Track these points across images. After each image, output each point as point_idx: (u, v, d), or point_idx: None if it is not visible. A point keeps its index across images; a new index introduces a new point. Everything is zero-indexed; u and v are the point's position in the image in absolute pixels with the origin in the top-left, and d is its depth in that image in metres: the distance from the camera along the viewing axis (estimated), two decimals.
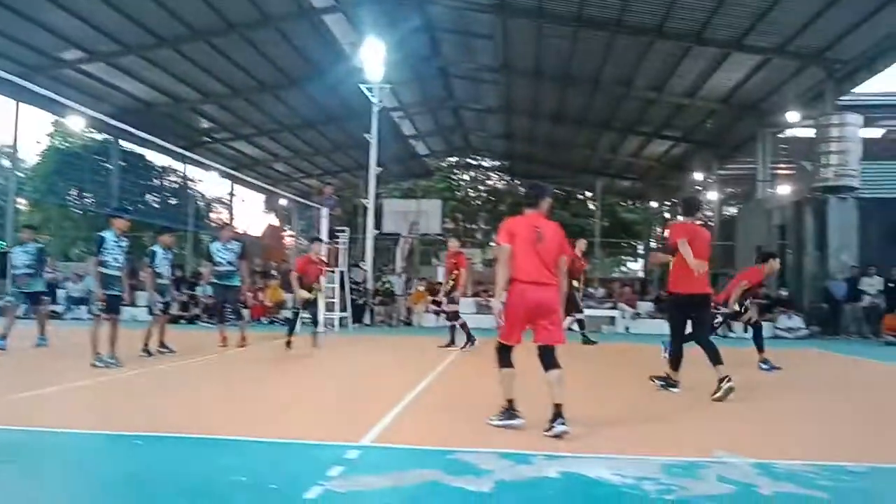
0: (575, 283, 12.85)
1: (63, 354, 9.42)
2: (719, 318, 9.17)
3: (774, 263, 9.21)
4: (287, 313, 14.23)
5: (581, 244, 13.37)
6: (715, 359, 6.38)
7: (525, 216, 5.19)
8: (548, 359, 4.90)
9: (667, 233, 7.51)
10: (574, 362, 10.58)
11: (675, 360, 6.78)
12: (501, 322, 4.97)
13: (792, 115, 20.66)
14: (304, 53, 21.78)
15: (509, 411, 5.02)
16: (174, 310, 13.10)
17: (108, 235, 8.27)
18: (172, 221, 23.08)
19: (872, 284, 16.53)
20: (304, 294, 10.66)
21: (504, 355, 5.06)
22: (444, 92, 28.75)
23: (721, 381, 6.24)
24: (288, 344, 10.49)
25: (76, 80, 21.55)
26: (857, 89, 19.72)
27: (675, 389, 6.74)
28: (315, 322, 11.43)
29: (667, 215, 38.42)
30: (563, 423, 4.66)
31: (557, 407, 4.73)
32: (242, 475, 3.71)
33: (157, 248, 9.88)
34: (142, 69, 21.54)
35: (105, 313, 8.28)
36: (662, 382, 6.86)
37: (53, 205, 28.96)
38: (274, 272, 21.60)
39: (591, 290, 20.42)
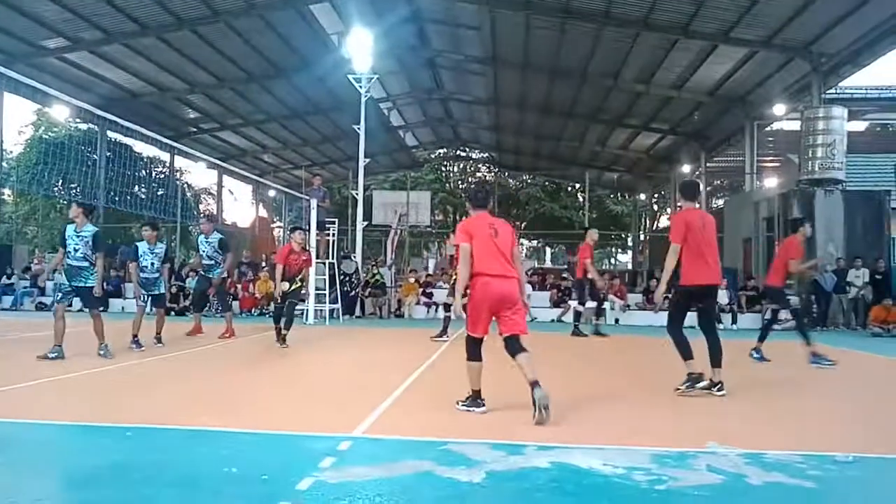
0: (590, 275, 12.71)
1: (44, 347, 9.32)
2: (796, 303, 9.10)
3: (805, 229, 9.20)
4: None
5: (593, 234, 13.20)
6: (716, 359, 6.18)
7: (477, 216, 5.45)
8: (514, 346, 5.12)
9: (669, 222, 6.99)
10: (564, 354, 10.62)
11: (685, 348, 6.21)
12: (463, 317, 5.26)
13: (778, 108, 20.82)
14: (291, 43, 21.66)
15: (475, 401, 5.28)
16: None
17: (68, 227, 8.22)
18: (160, 213, 22.93)
19: (859, 276, 16.71)
20: (285, 286, 9.87)
21: (474, 348, 5.28)
22: (433, 83, 28.70)
23: (714, 385, 6.10)
24: (280, 336, 10.00)
25: (59, 68, 21.33)
26: (842, 83, 19.89)
27: (701, 384, 6.10)
28: (289, 321, 10.08)
29: (655, 207, 38.65)
30: (539, 388, 4.85)
31: (533, 383, 4.90)
32: (234, 466, 3.70)
33: (141, 243, 9.83)
34: (126, 58, 21.36)
35: (87, 308, 8.22)
36: (688, 383, 6.12)
37: (39, 195, 28.67)
38: (264, 264, 21.51)
39: None
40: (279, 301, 10.13)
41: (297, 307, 11.19)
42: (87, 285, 8.09)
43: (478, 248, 5.16)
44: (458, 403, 5.33)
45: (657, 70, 20.71)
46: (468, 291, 5.26)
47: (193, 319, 11.63)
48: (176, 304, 17.73)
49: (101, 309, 8.50)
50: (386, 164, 36.40)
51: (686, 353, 6.18)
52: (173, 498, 3.27)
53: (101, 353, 8.08)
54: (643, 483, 3.53)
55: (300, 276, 10.20)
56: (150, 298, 9.79)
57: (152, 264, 9.70)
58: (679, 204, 6.92)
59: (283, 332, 9.91)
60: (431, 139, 38.33)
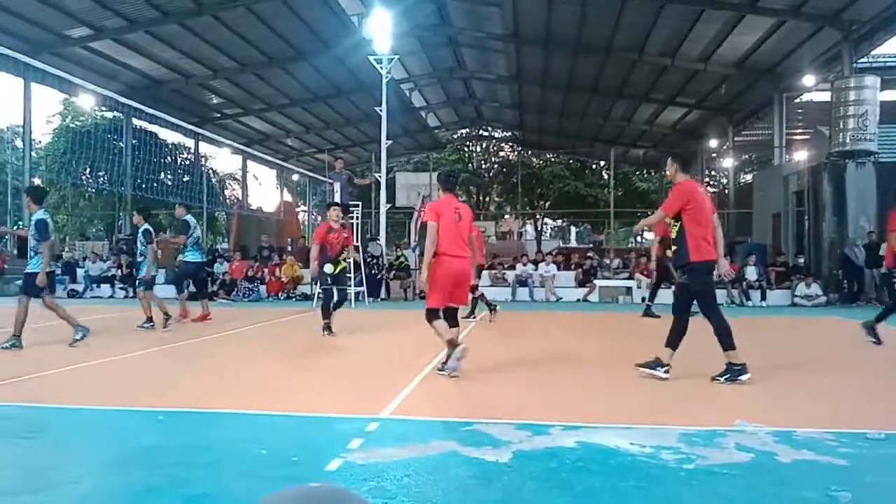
0: (669, 252, 12.35)
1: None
2: None
3: None
4: (315, 289, 13.54)
5: None
6: (676, 342, 5.94)
7: (445, 199, 6.10)
8: (454, 318, 6.04)
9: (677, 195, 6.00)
10: (589, 333, 10.61)
11: (730, 336, 5.74)
12: (426, 289, 5.88)
13: (808, 79, 20.33)
14: (312, 26, 21.63)
15: (451, 349, 5.84)
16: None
17: None
18: (186, 199, 23.19)
19: None
20: (329, 268, 9.09)
21: (434, 315, 5.96)
22: (454, 62, 28.50)
23: (662, 366, 5.87)
24: (327, 328, 9.12)
25: (84, 57, 21.55)
26: (875, 51, 19.35)
27: (745, 377, 5.67)
28: (340, 302, 9.46)
29: None
30: (451, 368, 5.85)
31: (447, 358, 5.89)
32: (263, 448, 3.76)
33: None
34: (149, 45, 21.52)
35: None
36: (728, 375, 5.70)
37: (68, 184, 29.17)
38: (290, 247, 21.69)
39: (606, 260, 20.35)
40: (328, 283, 9.22)
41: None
42: (27, 271, 8.00)
43: (442, 230, 5.82)
44: (441, 371, 5.90)
45: (682, 43, 20.31)
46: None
47: (201, 306, 11.35)
48: (204, 289, 17.98)
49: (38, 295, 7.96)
50: (408, 146, 36.36)
51: (729, 342, 5.73)
52: (205, 479, 3.33)
53: (6, 344, 7.65)
54: (671, 462, 3.52)
55: (344, 256, 9.43)
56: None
57: (139, 247, 10.17)
58: (667, 173, 6.38)
59: (332, 313, 9.23)
60: (454, 119, 38.17)
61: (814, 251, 17.60)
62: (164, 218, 28.83)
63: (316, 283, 10.22)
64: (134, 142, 25.35)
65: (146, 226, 10.20)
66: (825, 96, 20.50)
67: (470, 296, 11.98)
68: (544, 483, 3.26)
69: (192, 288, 11.89)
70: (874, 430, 4.06)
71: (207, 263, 18.88)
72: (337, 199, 14.94)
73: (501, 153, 41.82)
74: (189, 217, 10.96)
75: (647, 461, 3.55)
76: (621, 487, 3.19)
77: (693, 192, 5.88)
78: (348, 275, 10.86)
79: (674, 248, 6.02)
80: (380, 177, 19.06)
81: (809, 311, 15.10)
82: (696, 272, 5.87)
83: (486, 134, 40.90)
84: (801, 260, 17.35)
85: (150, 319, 9.85)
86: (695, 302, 5.96)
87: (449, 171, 6.72)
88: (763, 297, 16.66)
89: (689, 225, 5.81)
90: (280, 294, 18.21)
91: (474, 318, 11.49)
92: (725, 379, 5.69)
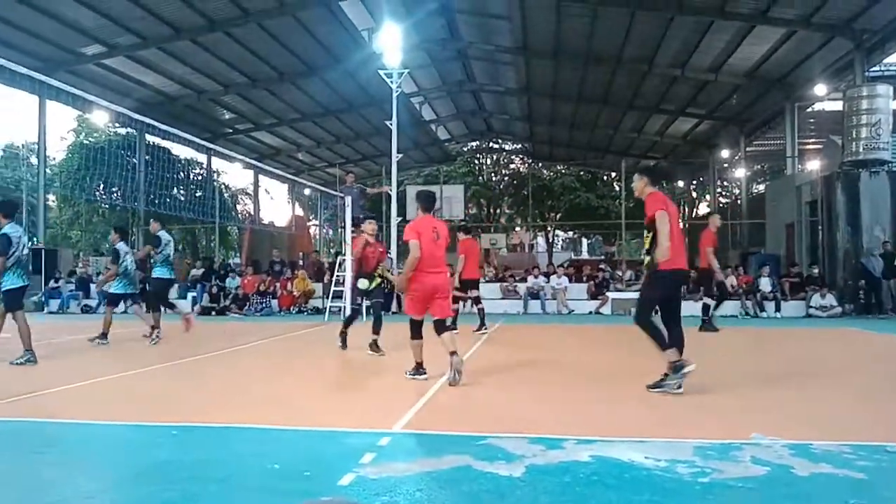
0: (717, 263, 11.60)
1: (92, 348, 9.56)
2: None
3: None
4: (329, 303, 13.53)
5: (715, 220, 11.95)
6: (680, 352, 5.93)
7: (424, 218, 6.59)
8: (440, 328, 6.36)
9: (653, 206, 5.97)
10: (602, 346, 10.55)
11: (662, 338, 5.87)
12: (403, 294, 6.32)
13: (819, 88, 20.26)
14: (322, 41, 21.81)
15: (419, 370, 6.53)
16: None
17: None
18: (198, 214, 23.36)
19: None
20: (364, 284, 8.88)
21: (416, 329, 6.54)
22: (464, 75, 28.62)
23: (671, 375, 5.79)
24: (343, 340, 9.14)
25: (98, 74, 21.83)
26: (887, 59, 19.26)
27: (689, 367, 5.77)
28: (378, 322, 8.91)
29: (693, 194, 37.94)
30: (456, 355, 6.13)
31: (452, 353, 6.14)
32: (276, 463, 3.75)
33: None
34: (161, 62, 21.77)
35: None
36: (677, 374, 5.79)
37: (81, 200, 29.42)
38: (301, 262, 21.73)
39: (618, 272, 20.27)
40: (357, 303, 9.29)
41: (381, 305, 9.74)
42: (3, 289, 7.73)
43: (422, 247, 6.27)
44: (406, 373, 6.52)
45: (693, 54, 20.32)
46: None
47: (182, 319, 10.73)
48: (216, 304, 18.05)
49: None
50: (419, 159, 36.47)
51: (663, 342, 5.84)
52: (219, 494, 3.32)
53: (20, 360, 7.68)
54: (686, 476, 3.48)
55: (378, 272, 9.12)
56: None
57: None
58: (635, 186, 6.41)
59: (374, 336, 8.76)
60: (464, 132, 38.28)
61: (828, 261, 17.44)
62: (176, 233, 29.01)
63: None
64: (147, 158, 25.60)
65: (118, 245, 10.21)
66: (837, 105, 20.43)
67: (476, 307, 12.00)
68: (558, 497, 3.23)
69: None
70: (893, 443, 4.00)
71: (223, 277, 19.05)
72: (349, 212, 14.95)
73: (512, 165, 41.83)
74: (163, 233, 10.70)
75: (662, 475, 3.51)
76: (636, 501, 3.15)
77: (666, 201, 6.04)
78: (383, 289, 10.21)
79: (647, 258, 6.02)
80: (391, 190, 19.12)
81: (825, 321, 14.95)
82: (661, 279, 5.92)
83: (496, 146, 40.93)
84: (816, 270, 17.20)
85: (153, 328, 9.87)
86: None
87: (428, 192, 7.21)
88: (777, 309, 16.52)
89: (662, 234, 5.83)
90: (292, 308, 18.22)
91: (485, 329, 11.46)
92: (655, 384, 5.79)
